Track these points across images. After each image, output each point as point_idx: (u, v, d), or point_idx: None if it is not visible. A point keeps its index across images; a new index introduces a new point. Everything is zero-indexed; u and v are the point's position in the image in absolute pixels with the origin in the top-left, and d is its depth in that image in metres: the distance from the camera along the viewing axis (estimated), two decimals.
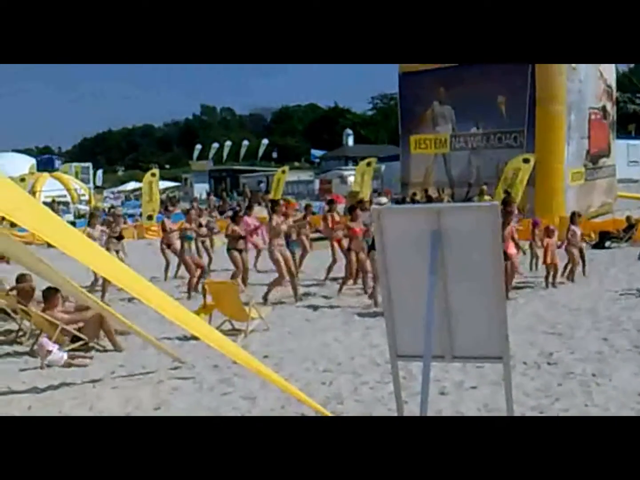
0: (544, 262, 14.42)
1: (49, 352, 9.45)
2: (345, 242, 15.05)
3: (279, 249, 13.62)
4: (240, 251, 14.34)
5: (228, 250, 14.58)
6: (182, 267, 15.56)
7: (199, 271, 14.76)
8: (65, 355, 9.45)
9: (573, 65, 24.63)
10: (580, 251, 15.02)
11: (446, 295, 5.03)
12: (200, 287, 13.81)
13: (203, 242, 17.78)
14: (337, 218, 16.95)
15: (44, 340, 9.72)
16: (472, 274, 4.94)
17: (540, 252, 15.45)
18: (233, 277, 14.03)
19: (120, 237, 16.09)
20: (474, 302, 5.01)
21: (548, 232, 14.46)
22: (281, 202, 16.20)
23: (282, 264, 13.49)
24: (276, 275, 13.70)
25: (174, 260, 16.22)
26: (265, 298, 13.28)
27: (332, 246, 16.40)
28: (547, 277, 14.25)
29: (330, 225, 16.62)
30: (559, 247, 14.68)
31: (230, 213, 21.08)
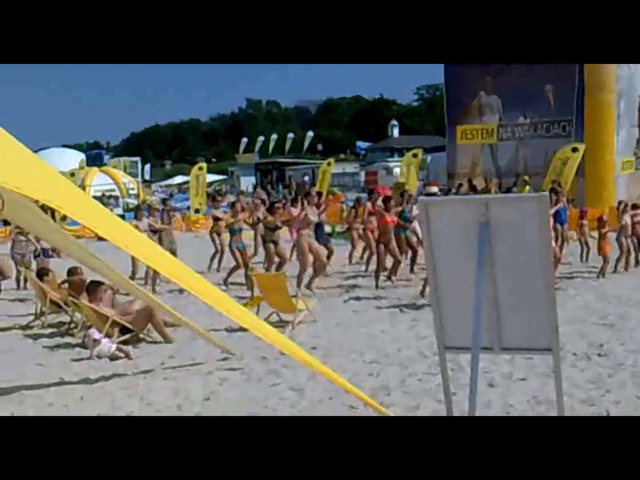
0: (599, 252, 14.22)
1: (96, 341, 9.61)
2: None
3: (307, 239, 13.67)
4: (275, 243, 14.36)
5: (264, 242, 14.68)
6: (225, 260, 15.73)
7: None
8: (113, 347, 9.60)
9: None
10: (638, 239, 14.77)
11: (494, 286, 5.00)
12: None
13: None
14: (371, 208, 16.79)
15: (91, 330, 9.89)
16: (520, 264, 4.90)
17: (591, 243, 15.28)
18: (279, 268, 14.10)
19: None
20: (522, 293, 4.97)
21: (601, 222, 14.27)
22: (313, 192, 16.10)
23: (308, 253, 13.54)
24: (315, 266, 13.78)
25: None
26: (308, 287, 13.35)
27: (352, 236, 17.19)
28: (602, 268, 14.08)
29: (367, 214, 16.55)
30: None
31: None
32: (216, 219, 16.69)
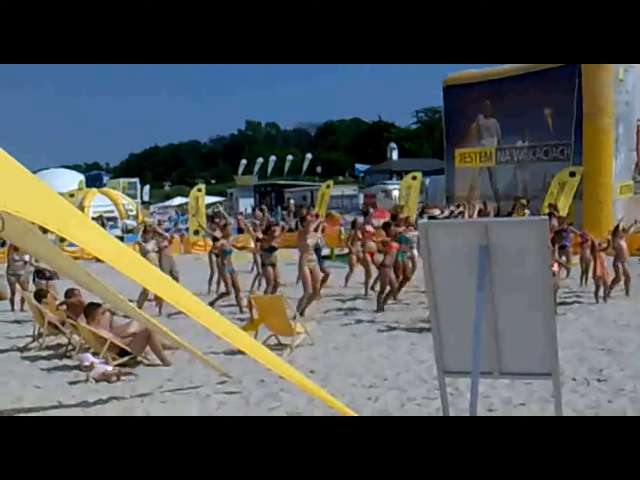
0: (593, 276, 14.21)
1: (88, 366, 9.57)
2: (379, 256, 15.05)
3: (309, 264, 13.65)
4: (273, 265, 14.31)
5: (263, 264, 14.64)
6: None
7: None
8: (108, 368, 9.55)
9: (620, 76, 24.34)
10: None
11: (494, 310, 5.00)
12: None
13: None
14: (370, 229, 16.80)
15: (82, 355, 9.87)
16: (520, 289, 4.90)
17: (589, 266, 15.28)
18: (272, 291, 14.04)
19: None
20: (522, 318, 4.97)
21: (596, 247, 14.27)
22: (310, 215, 15.97)
23: (309, 277, 13.50)
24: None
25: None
26: (301, 313, 13.18)
27: (351, 259, 17.06)
28: (596, 292, 14.05)
29: (360, 237, 16.55)
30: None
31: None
32: (215, 239, 16.50)
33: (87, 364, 9.62)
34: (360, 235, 16.84)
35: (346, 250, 18.50)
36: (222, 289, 15.18)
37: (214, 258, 16.60)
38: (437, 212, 23.21)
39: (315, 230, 14.74)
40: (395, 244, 13.99)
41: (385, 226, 14.56)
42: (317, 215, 17.44)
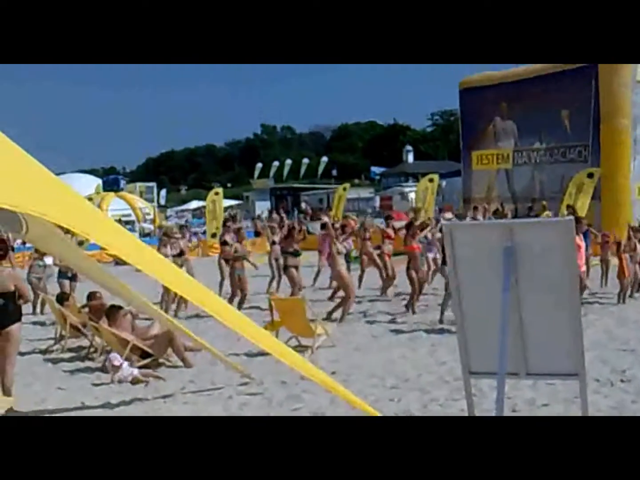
0: (618, 276, 14.15)
1: (117, 367, 9.63)
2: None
3: (343, 269, 13.63)
4: (296, 268, 14.30)
5: (285, 267, 14.65)
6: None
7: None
8: (135, 371, 9.62)
9: (638, 77, 24.22)
10: None
11: (520, 311, 5.00)
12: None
13: (277, 260, 17.64)
14: (390, 233, 16.82)
15: (112, 355, 9.92)
16: (546, 289, 4.90)
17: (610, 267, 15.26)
18: (292, 294, 14.07)
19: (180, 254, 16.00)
20: (548, 318, 4.97)
21: (620, 247, 14.25)
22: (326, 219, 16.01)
23: (350, 283, 13.48)
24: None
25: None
26: (341, 319, 13.18)
27: (362, 261, 17.07)
28: (620, 293, 14.03)
29: (382, 238, 16.63)
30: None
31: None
32: (224, 243, 16.38)
33: (117, 363, 9.65)
34: (368, 236, 17.14)
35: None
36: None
37: (223, 263, 16.47)
38: (449, 215, 23.17)
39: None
40: (417, 246, 13.97)
41: (408, 227, 14.55)
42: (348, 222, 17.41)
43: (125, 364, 9.73)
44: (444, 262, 11.77)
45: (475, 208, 25.68)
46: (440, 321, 12.35)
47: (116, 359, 9.75)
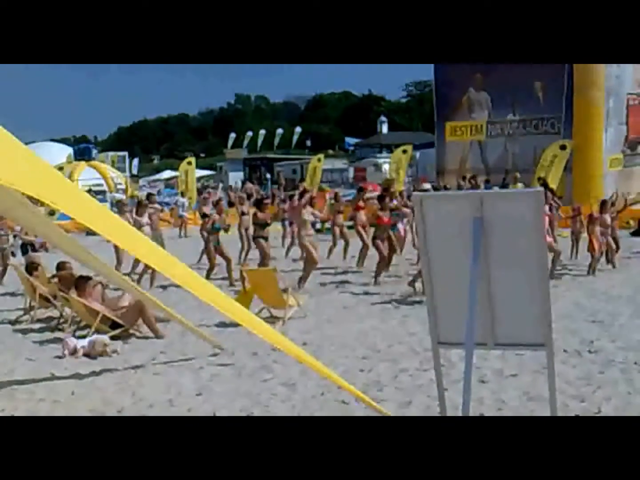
0: (590, 249, 14.25)
1: (71, 347, 9.49)
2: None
3: (308, 238, 13.65)
4: (266, 239, 14.31)
5: (254, 238, 14.63)
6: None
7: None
8: (85, 343, 9.48)
9: None
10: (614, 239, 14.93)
11: (489, 282, 4.99)
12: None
13: (246, 230, 17.61)
14: (361, 204, 16.85)
15: (70, 339, 9.74)
16: (515, 260, 4.89)
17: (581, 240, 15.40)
18: (261, 264, 14.04)
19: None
20: (517, 289, 4.97)
21: (592, 220, 14.36)
22: (308, 193, 16.01)
23: (313, 252, 13.52)
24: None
25: None
26: (300, 285, 13.32)
27: (334, 232, 17.43)
28: (590, 265, 14.17)
29: (355, 209, 16.75)
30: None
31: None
32: (204, 216, 16.31)
33: (70, 344, 9.51)
34: (341, 208, 17.58)
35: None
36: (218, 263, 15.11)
37: (205, 235, 16.38)
38: (427, 186, 23.22)
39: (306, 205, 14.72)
40: (387, 218, 14.04)
41: (380, 199, 14.55)
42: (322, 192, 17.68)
43: (77, 341, 9.56)
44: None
45: (464, 178, 25.79)
46: (415, 292, 12.35)
47: (70, 341, 9.58)
